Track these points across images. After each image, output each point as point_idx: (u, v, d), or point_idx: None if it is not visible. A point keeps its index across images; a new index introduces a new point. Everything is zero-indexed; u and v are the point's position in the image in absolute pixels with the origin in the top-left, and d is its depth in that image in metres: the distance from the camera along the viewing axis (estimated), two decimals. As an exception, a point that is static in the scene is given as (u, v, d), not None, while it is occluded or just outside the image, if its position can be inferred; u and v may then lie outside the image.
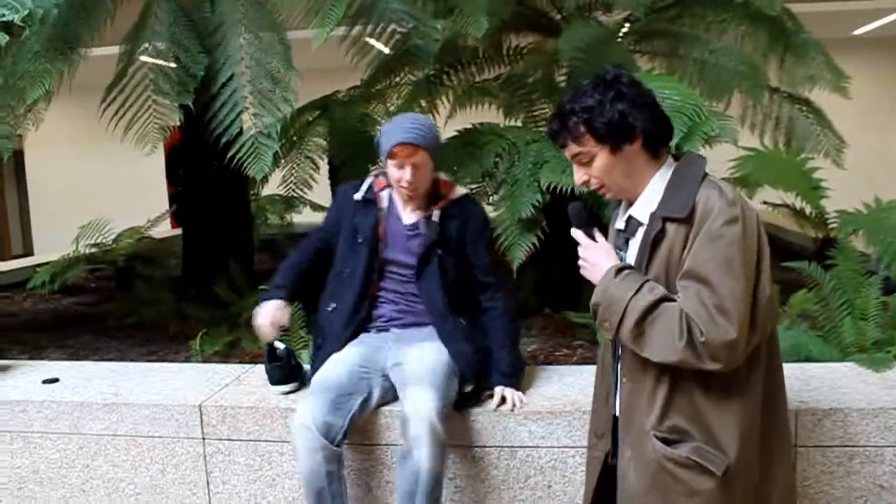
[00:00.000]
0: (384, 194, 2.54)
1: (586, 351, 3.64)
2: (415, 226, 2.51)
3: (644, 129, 1.61)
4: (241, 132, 3.27)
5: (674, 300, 1.56)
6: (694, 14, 4.90)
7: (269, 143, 3.27)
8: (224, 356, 3.65)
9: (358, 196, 2.53)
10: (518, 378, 2.53)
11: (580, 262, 1.72)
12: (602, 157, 1.63)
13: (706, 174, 1.62)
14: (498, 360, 2.49)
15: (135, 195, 9.46)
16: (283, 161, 5.26)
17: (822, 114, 4.93)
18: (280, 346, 2.75)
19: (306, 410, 2.25)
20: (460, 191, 2.58)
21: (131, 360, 3.69)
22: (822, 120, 4.91)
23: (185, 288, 4.49)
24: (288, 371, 2.66)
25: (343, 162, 4.91)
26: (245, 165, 3.22)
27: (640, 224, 1.67)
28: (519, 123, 4.90)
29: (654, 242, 1.60)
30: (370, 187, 2.54)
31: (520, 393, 2.47)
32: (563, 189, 3.50)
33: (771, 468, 1.65)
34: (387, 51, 4.84)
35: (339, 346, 2.49)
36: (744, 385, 1.57)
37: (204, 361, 3.46)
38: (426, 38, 3.77)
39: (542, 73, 4.87)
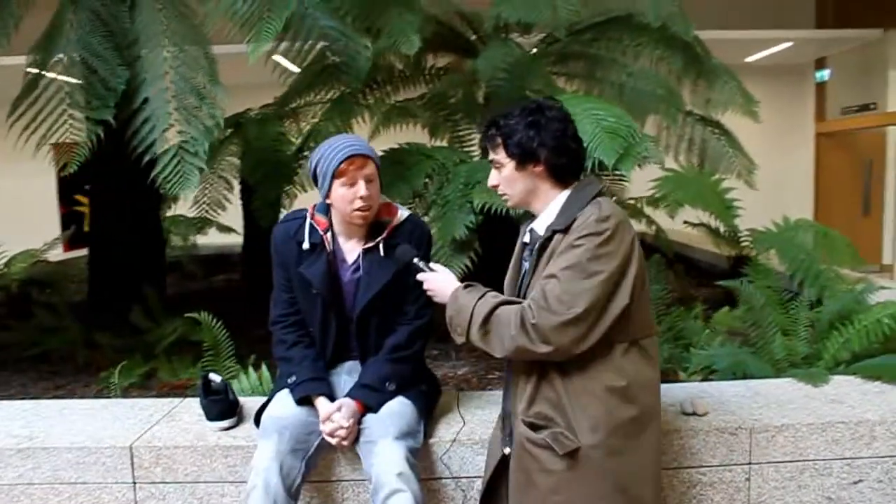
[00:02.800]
0: (329, 236, 2.27)
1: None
2: (356, 262, 2.27)
3: (547, 159, 1.84)
4: (165, 150, 3.07)
5: (515, 303, 1.81)
6: (610, 38, 5.02)
7: (195, 162, 3.08)
8: (141, 388, 3.41)
9: (306, 245, 2.25)
10: (375, 396, 2.22)
11: (429, 293, 2.02)
12: (509, 169, 1.88)
13: (600, 193, 1.85)
14: (367, 370, 2.28)
15: (19, 216, 8.85)
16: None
17: (733, 136, 5.13)
18: (216, 378, 2.58)
19: (265, 453, 2.10)
20: (403, 213, 2.32)
21: (36, 396, 3.39)
22: (733, 142, 5.10)
23: (92, 314, 4.18)
24: (226, 406, 2.49)
25: (259, 182, 4.74)
26: (170, 185, 3.02)
27: (539, 237, 1.87)
28: (444, 143, 4.88)
29: (540, 249, 1.84)
30: (313, 229, 2.27)
31: (351, 421, 2.17)
32: (497, 210, 3.48)
33: (629, 458, 1.80)
34: (296, 69, 4.71)
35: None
36: (598, 380, 1.78)
37: (123, 395, 3.21)
38: (357, 56, 3.65)
39: (462, 93, 4.88)
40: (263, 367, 3.08)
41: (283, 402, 2.25)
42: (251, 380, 3.04)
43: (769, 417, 2.39)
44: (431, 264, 2.05)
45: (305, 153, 4.80)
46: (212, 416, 2.46)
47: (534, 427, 1.83)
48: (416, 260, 2.04)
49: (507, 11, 4.62)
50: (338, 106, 4.52)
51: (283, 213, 5.14)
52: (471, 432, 2.38)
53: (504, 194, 1.93)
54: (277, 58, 5.98)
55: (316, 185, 2.23)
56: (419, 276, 2.03)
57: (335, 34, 3.65)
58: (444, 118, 4.92)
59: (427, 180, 4.01)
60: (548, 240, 1.82)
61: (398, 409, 2.22)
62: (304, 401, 2.23)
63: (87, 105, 3.04)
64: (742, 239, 4.87)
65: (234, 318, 3.43)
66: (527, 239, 1.98)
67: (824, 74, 10.39)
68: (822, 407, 2.47)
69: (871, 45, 9.41)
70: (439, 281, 2.00)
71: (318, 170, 2.18)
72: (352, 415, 2.18)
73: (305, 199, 3.92)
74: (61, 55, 3.08)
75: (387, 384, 2.25)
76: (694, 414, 2.41)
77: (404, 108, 5.01)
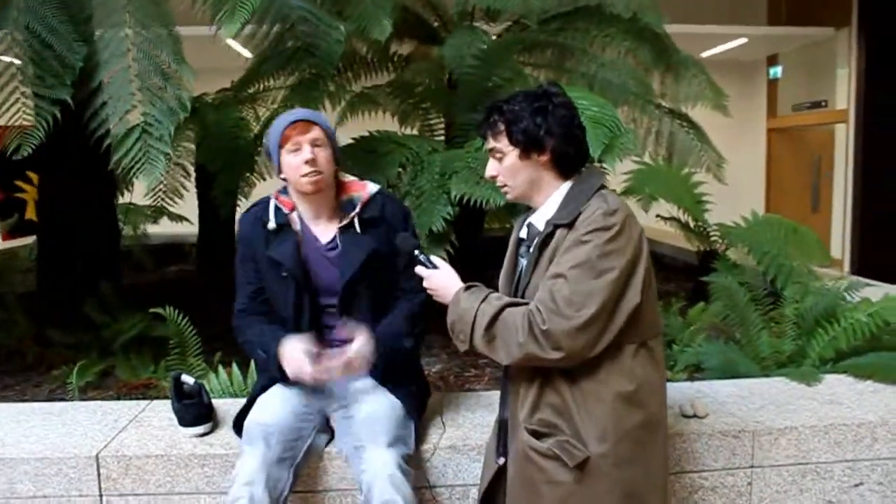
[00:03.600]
0: (295, 216, 2.18)
1: (496, 370, 3.50)
2: (332, 242, 2.18)
3: (554, 148, 1.72)
4: (126, 133, 2.85)
5: (520, 304, 1.68)
6: (577, 28, 4.93)
7: (160, 146, 2.86)
8: (98, 388, 3.19)
9: (272, 224, 2.14)
10: (387, 348, 2.11)
11: (430, 292, 1.85)
12: (511, 158, 1.75)
13: (603, 187, 1.74)
14: (387, 323, 2.17)
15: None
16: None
17: (701, 129, 5.10)
18: (189, 380, 2.41)
19: (251, 463, 1.94)
20: (372, 187, 2.23)
21: (-20, 397, 3.15)
22: (702, 135, 5.08)
23: (42, 308, 3.92)
24: (201, 410, 2.32)
25: (218, 169, 4.51)
26: (133, 170, 2.81)
27: (539, 231, 1.76)
28: (415, 132, 4.74)
29: (541, 245, 1.72)
30: (278, 210, 2.17)
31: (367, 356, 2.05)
32: (476, 202, 3.36)
33: (638, 466, 1.70)
34: (248, 54, 4.50)
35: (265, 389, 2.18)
36: (607, 385, 1.67)
37: (80, 397, 2.99)
38: (329, 38, 3.48)
39: (430, 80, 4.74)
40: (234, 366, 2.90)
41: (268, 407, 2.10)
42: (221, 379, 2.85)
43: (771, 419, 2.33)
44: (433, 258, 1.88)
45: (265, 140, 4.65)
46: (186, 421, 2.29)
47: (537, 435, 1.72)
48: (416, 252, 1.88)
49: (476, -2, 4.53)
50: (298, 91, 4.33)
51: (242, 201, 5.01)
52: (464, 437, 2.26)
53: (504, 186, 1.80)
54: (231, 41, 5.75)
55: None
56: (418, 271, 1.87)
57: (307, 15, 3.47)
58: (413, 106, 4.79)
59: (400, 170, 3.86)
60: (549, 235, 1.71)
61: (388, 413, 2.09)
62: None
63: (40, 83, 2.79)
64: (712, 234, 4.86)
65: (193, 311, 3.22)
66: (523, 234, 1.87)
67: (777, 71, 10.55)
68: (822, 408, 2.43)
69: (821, 43, 9.58)
70: (441, 279, 1.84)
71: (268, 146, 2.14)
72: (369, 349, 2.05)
73: (265, 188, 3.80)
74: (9, 28, 2.81)
75: (404, 340, 2.17)
76: (694, 416, 2.34)
77: (371, 95, 4.86)
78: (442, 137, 4.57)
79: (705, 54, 9.96)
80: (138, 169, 2.84)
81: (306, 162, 2.06)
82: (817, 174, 10.30)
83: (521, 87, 4.27)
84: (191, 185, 5.61)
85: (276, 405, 2.09)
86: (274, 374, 2.11)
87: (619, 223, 1.64)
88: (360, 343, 2.05)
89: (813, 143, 10.39)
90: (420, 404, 2.28)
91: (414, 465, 2.08)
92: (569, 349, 1.60)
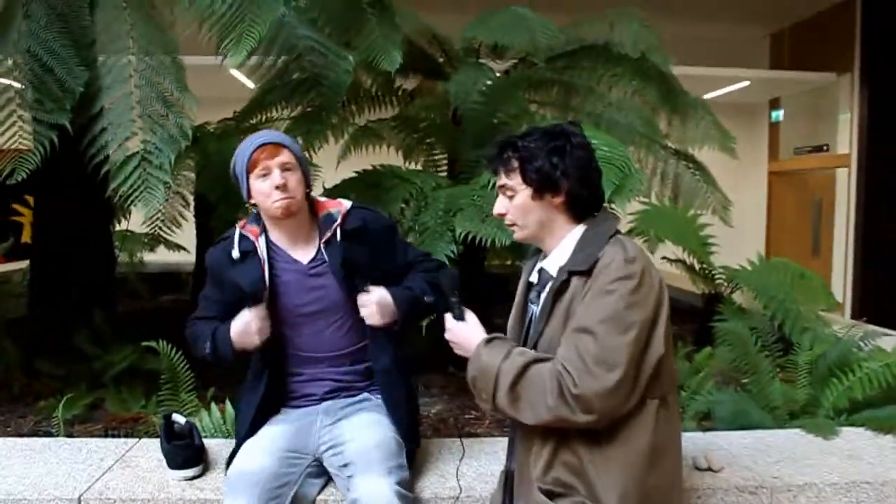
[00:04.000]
0: (262, 242, 2.10)
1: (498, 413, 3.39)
2: (317, 259, 2.11)
3: (569, 190, 1.65)
4: (125, 159, 2.77)
5: (545, 360, 1.57)
6: (583, 67, 4.90)
7: (160, 175, 2.79)
8: (85, 422, 3.08)
9: (235, 253, 2.08)
10: (401, 304, 2.10)
11: (451, 344, 1.76)
12: (523, 197, 1.68)
13: (618, 232, 1.66)
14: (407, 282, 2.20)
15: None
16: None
17: (707, 171, 5.05)
18: (180, 419, 2.30)
19: None
20: (347, 203, 2.18)
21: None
22: (708, 177, 5.03)
23: (32, 335, 3.80)
24: (191, 452, 2.21)
25: (219, 199, 4.44)
26: (132, 198, 2.73)
27: (551, 277, 1.69)
28: (419, 167, 4.69)
29: (556, 294, 1.63)
30: (244, 238, 2.11)
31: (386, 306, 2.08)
32: (481, 240, 3.28)
33: None
34: (250, 84, 4.45)
35: (251, 431, 2.09)
36: (628, 444, 1.57)
37: (67, 431, 2.87)
38: (337, 69, 3.43)
39: (435, 115, 4.70)
40: (227, 403, 2.78)
41: (252, 453, 1.99)
42: (214, 417, 2.74)
43: (789, 475, 2.22)
44: (466, 310, 1.78)
45: (232, 164, 4.61)
46: (175, 463, 2.18)
47: (551, 495, 1.62)
48: (454, 299, 1.78)
49: (482, 34, 4.50)
50: (301, 123, 4.30)
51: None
52: (468, 488, 2.15)
53: (513, 225, 1.73)
54: (235, 72, 5.68)
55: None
56: (447, 320, 1.77)
57: (314, 45, 3.42)
58: (418, 140, 4.75)
59: (403, 205, 3.79)
60: (564, 282, 1.62)
61: (381, 440, 2.00)
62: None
63: (39, 107, 2.73)
64: (717, 277, 4.78)
65: (187, 342, 3.12)
66: (534, 279, 1.78)
67: (779, 115, 10.57)
68: (842, 464, 2.32)
69: (823, 88, 9.60)
70: (463, 331, 1.74)
71: (236, 172, 2.07)
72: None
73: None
74: (10, 50, 2.75)
75: (425, 296, 2.14)
76: (709, 469, 2.24)
77: (375, 129, 4.82)
78: (445, 173, 4.52)
79: (707, 96, 9.99)
80: (136, 196, 2.76)
81: (277, 187, 1.99)
82: (818, 218, 10.27)
83: (528, 124, 4.25)
84: (189, 214, 5.54)
85: (259, 451, 1.99)
86: (223, 357, 2.07)
87: (640, 271, 1.56)
88: (381, 292, 2.07)
89: (813, 187, 10.37)
90: (414, 432, 2.18)
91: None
92: (601, 412, 1.51)
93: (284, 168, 2.01)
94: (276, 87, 4.01)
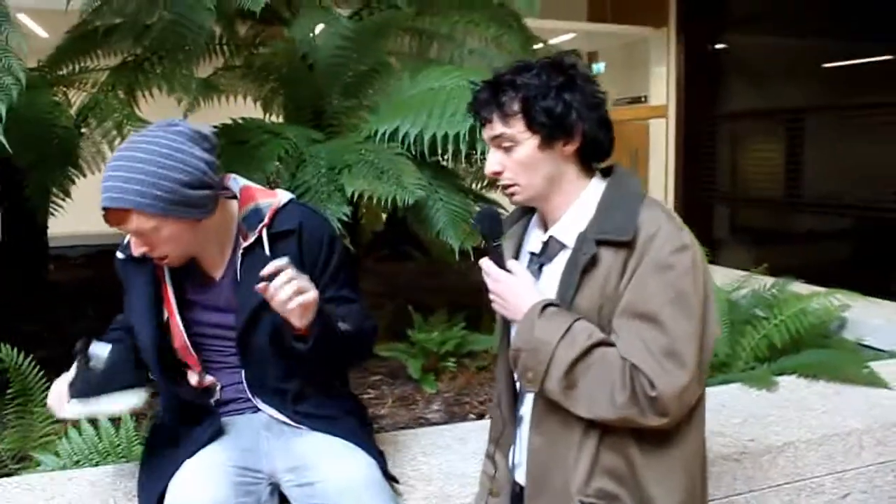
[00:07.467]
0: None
1: (388, 387, 3.06)
2: (231, 269, 1.67)
3: (586, 132, 1.35)
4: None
5: (613, 345, 1.29)
6: (436, 13, 4.61)
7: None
8: None
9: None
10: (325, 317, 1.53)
11: (490, 297, 1.41)
12: (526, 148, 1.35)
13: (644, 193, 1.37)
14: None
15: None
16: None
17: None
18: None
19: None
20: (283, 196, 1.71)
21: None
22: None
23: None
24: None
25: (33, 164, 3.69)
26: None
27: (563, 247, 1.39)
28: (280, 119, 4.18)
29: (584, 270, 1.32)
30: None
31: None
32: (380, 200, 2.92)
33: None
34: (43, 33, 3.79)
35: (181, 455, 1.61)
36: (684, 439, 1.34)
37: None
38: (197, 8, 2.88)
39: (283, 64, 4.21)
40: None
41: (192, 481, 1.54)
42: (87, 436, 2.17)
43: (764, 436, 2.13)
44: (510, 262, 1.41)
45: (83, 130, 3.92)
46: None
47: None
48: (496, 242, 1.39)
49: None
50: (120, 74, 3.71)
51: (61, 205, 4.20)
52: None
53: (513, 185, 1.39)
54: (22, 17, 4.82)
55: None
56: (487, 267, 1.39)
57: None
58: (272, 91, 4.24)
59: (278, 164, 3.31)
60: (595, 255, 1.31)
61: (365, 479, 1.59)
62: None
63: None
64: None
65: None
66: (535, 248, 1.45)
67: (600, 67, 10.89)
68: (803, 417, 2.28)
69: (638, 42, 10.00)
70: (514, 287, 1.37)
71: None
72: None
73: (88, 184, 3.28)
74: None
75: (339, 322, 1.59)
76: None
77: (226, 79, 4.24)
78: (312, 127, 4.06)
79: (536, 47, 10.07)
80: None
81: (140, 253, 1.57)
82: (634, 167, 10.78)
83: (387, 76, 3.90)
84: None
85: (203, 481, 1.54)
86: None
87: (692, 241, 1.31)
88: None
89: (630, 137, 10.84)
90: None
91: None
92: (675, 413, 1.27)
93: (140, 235, 1.53)
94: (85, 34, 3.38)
